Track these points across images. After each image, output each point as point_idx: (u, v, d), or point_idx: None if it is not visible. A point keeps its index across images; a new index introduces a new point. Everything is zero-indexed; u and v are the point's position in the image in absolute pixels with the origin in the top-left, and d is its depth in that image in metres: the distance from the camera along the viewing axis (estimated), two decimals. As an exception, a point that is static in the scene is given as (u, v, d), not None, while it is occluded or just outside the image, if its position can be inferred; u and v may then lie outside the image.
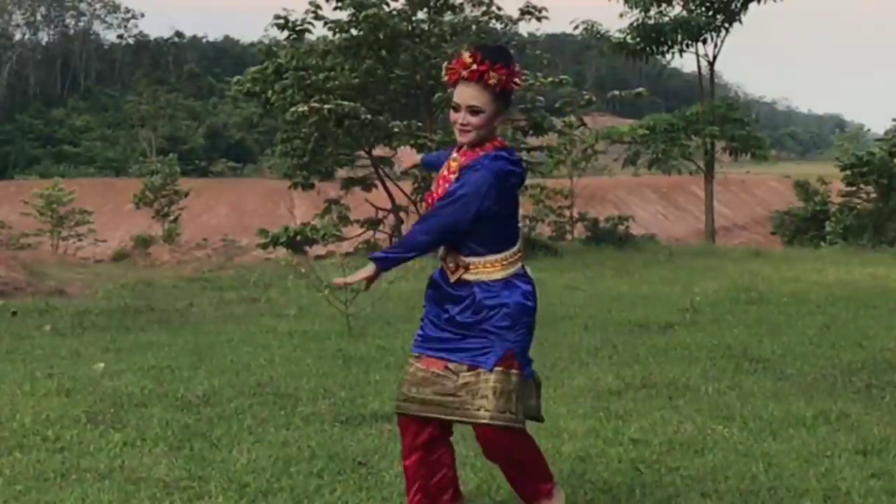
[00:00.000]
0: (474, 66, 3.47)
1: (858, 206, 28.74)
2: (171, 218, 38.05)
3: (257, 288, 13.85)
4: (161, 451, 5.04)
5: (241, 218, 47.80)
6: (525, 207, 28.40)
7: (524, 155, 22.49)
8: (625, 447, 5.09)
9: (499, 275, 3.60)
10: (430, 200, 3.68)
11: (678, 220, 55.48)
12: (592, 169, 31.38)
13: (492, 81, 3.46)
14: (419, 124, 21.20)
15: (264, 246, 23.05)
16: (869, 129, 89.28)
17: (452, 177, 3.59)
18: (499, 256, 3.60)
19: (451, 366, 3.65)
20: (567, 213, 27.86)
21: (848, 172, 28.54)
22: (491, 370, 3.63)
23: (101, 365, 7.45)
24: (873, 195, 28.38)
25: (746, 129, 24.92)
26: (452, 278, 3.64)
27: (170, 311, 11.21)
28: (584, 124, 23.59)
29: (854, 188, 29.05)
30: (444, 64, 3.60)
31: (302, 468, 4.72)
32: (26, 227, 35.66)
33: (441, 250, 3.67)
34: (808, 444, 5.16)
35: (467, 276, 3.62)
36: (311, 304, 11.14)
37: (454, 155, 3.67)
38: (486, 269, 3.60)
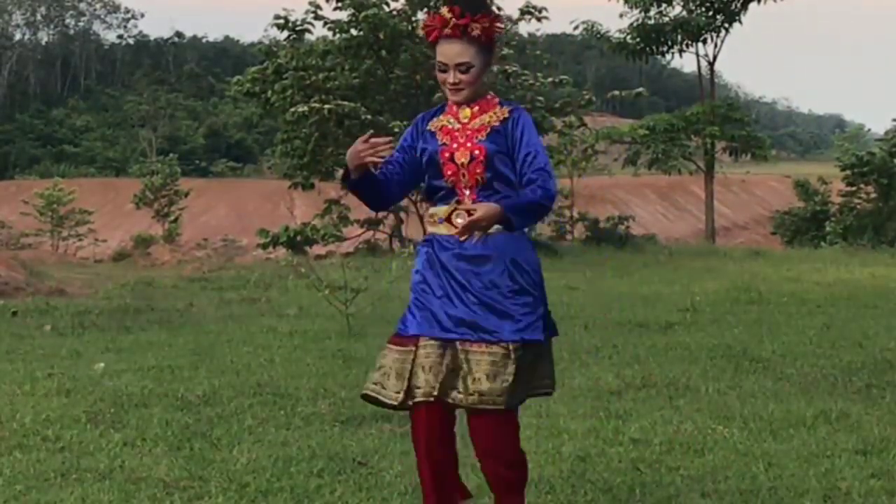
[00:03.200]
0: (455, 21, 3.28)
1: (858, 206, 28.75)
2: (171, 218, 38.06)
3: (257, 288, 13.85)
4: (161, 451, 5.04)
5: (241, 218, 47.76)
6: None
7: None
8: (625, 447, 5.09)
9: None
10: (447, 155, 3.38)
11: (678, 220, 55.44)
12: (592, 169, 31.39)
13: (476, 33, 3.28)
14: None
15: (264, 246, 23.06)
16: (869, 129, 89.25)
17: (481, 134, 3.36)
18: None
19: (499, 346, 3.32)
20: (567, 213, 27.86)
21: (848, 172, 28.55)
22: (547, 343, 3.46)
23: (101, 365, 7.44)
24: (873, 195, 28.39)
25: (746, 129, 24.93)
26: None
27: (170, 311, 11.20)
28: (584, 124, 23.58)
29: (854, 188, 29.05)
30: (421, 22, 3.31)
31: (302, 468, 4.71)
32: (26, 227, 35.65)
33: (437, 210, 3.41)
34: (808, 444, 5.16)
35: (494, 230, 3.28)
36: (311, 304, 11.14)
37: (462, 110, 3.41)
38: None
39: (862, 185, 28.66)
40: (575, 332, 9.32)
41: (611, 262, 17.59)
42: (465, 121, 3.40)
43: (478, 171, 3.34)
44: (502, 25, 3.51)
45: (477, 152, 3.35)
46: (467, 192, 3.36)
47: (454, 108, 3.44)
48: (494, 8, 16.83)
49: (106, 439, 5.26)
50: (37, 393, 6.45)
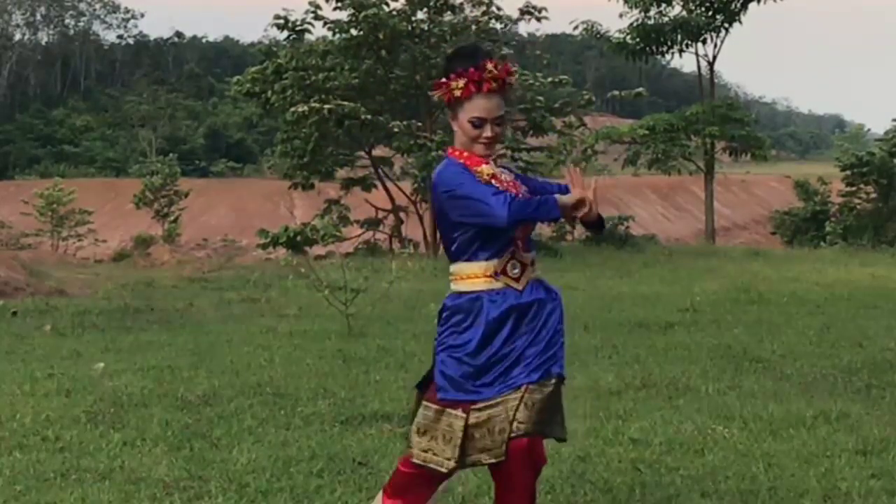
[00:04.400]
0: (497, 75, 3.29)
1: (858, 207, 28.75)
2: (172, 218, 38.04)
3: (257, 288, 13.85)
4: (161, 451, 5.04)
5: (241, 218, 47.73)
6: None
7: (524, 155, 22.47)
8: (625, 447, 5.09)
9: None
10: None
11: (678, 220, 55.45)
12: (592, 169, 31.33)
13: (513, 84, 3.35)
14: (419, 124, 21.22)
15: (264, 246, 23.05)
16: (869, 129, 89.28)
17: (520, 187, 3.42)
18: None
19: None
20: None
21: (848, 172, 28.55)
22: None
23: (101, 365, 7.44)
24: (873, 195, 28.39)
25: (746, 129, 24.91)
26: (521, 285, 3.34)
27: (170, 311, 11.20)
28: (583, 124, 23.56)
29: (854, 188, 29.05)
30: (455, 80, 3.17)
31: (302, 468, 4.72)
32: (26, 227, 35.62)
33: (494, 263, 3.32)
34: (808, 444, 5.16)
35: (534, 275, 3.38)
36: (311, 304, 11.14)
37: (489, 167, 3.39)
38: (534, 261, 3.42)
39: (862, 185, 28.66)
40: (575, 332, 9.32)
41: (611, 262, 17.59)
42: (499, 173, 3.41)
43: (529, 224, 3.38)
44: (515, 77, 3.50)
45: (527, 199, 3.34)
46: (520, 244, 3.37)
47: (476, 161, 3.37)
48: (494, 8, 16.47)
49: (106, 439, 5.26)
50: (37, 393, 6.45)
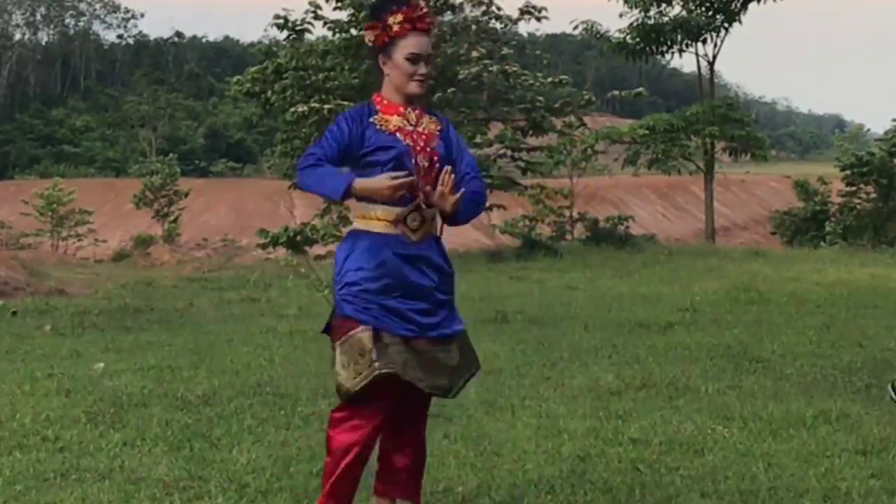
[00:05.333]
0: (425, 14, 3.41)
1: (858, 206, 28.75)
2: (171, 218, 37.99)
3: (257, 288, 13.86)
4: (161, 451, 5.04)
5: (241, 218, 47.77)
6: (525, 207, 28.39)
7: (524, 155, 22.42)
8: (625, 447, 5.09)
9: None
10: (410, 156, 3.40)
11: (678, 220, 55.48)
12: (592, 169, 31.34)
13: (434, 27, 3.51)
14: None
15: (264, 246, 23.06)
16: (869, 129, 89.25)
17: (434, 141, 3.46)
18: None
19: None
20: (567, 213, 27.82)
21: (848, 172, 28.55)
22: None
23: (101, 365, 7.45)
24: (873, 195, 28.39)
25: (746, 129, 24.90)
26: (416, 237, 3.39)
27: (170, 311, 11.21)
28: (583, 124, 23.52)
29: (854, 188, 29.05)
30: (392, 16, 3.37)
31: (302, 468, 4.71)
32: (26, 227, 35.58)
33: (396, 211, 3.37)
34: (808, 444, 5.16)
35: (431, 230, 3.45)
36: (311, 304, 11.13)
37: (408, 112, 3.46)
38: (434, 219, 3.46)
39: (862, 185, 28.66)
40: (575, 332, 9.32)
41: (611, 262, 17.58)
42: (415, 123, 3.47)
43: (432, 175, 3.40)
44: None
45: (434, 158, 3.44)
46: (420, 196, 3.40)
47: (400, 108, 3.46)
48: (494, 8, 16.60)
49: (106, 439, 5.26)
50: (37, 393, 6.45)
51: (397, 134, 3.41)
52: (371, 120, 3.42)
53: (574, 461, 4.83)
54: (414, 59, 3.40)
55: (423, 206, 3.39)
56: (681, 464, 4.79)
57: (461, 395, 3.71)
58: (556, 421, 5.66)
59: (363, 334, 3.31)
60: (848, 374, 7.16)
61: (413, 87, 3.43)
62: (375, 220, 3.39)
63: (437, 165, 3.41)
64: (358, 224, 3.44)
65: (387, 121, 3.42)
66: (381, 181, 3.29)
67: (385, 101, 3.47)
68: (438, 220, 3.49)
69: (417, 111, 3.49)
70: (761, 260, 18.81)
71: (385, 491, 3.68)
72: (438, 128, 3.50)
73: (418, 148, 3.42)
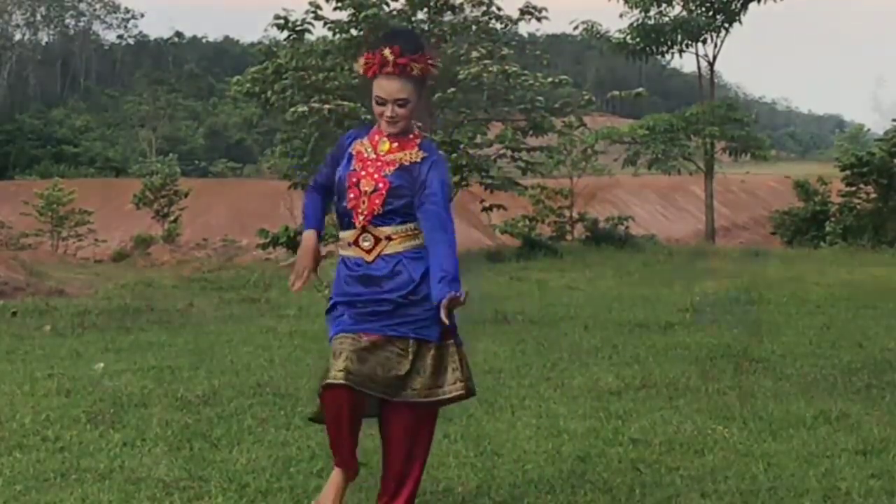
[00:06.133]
0: (395, 60, 3.52)
1: (858, 207, 28.72)
2: (171, 218, 37.99)
3: (257, 288, 13.86)
4: (161, 451, 5.04)
5: (241, 218, 47.80)
6: (525, 208, 28.40)
7: (524, 155, 22.40)
8: (625, 447, 5.09)
9: (420, 240, 3.61)
10: (353, 180, 3.64)
11: (678, 220, 55.45)
12: (592, 169, 31.33)
13: (415, 73, 3.54)
14: (419, 125, 21.20)
15: (264, 246, 23.06)
16: (869, 130, 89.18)
17: (389, 168, 3.61)
18: (414, 223, 3.62)
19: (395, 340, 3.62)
20: (567, 213, 27.81)
21: (848, 172, 28.53)
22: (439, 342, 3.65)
23: (101, 365, 7.45)
24: (873, 195, 28.36)
25: (746, 129, 24.89)
26: (371, 257, 3.61)
27: (170, 311, 11.20)
28: (583, 124, 23.50)
29: (854, 188, 29.02)
30: (359, 59, 3.68)
31: (302, 468, 4.71)
32: (26, 227, 35.64)
33: (349, 234, 3.66)
34: (808, 444, 5.16)
35: (389, 250, 3.61)
36: (311, 304, 11.13)
37: (382, 142, 3.67)
38: (408, 235, 3.62)
39: (862, 186, 28.63)
40: (575, 332, 9.32)
41: (611, 262, 17.58)
42: (382, 153, 3.65)
43: (377, 202, 3.59)
44: (437, 63, 3.73)
45: (381, 185, 3.59)
46: (360, 219, 3.61)
47: (376, 137, 3.68)
48: (495, 8, 16.73)
49: (106, 439, 5.26)
50: (37, 393, 6.45)
51: (354, 158, 3.67)
52: (352, 145, 3.71)
53: (574, 461, 4.83)
54: (379, 101, 3.60)
55: (370, 226, 3.60)
56: (681, 464, 4.79)
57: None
58: (556, 421, 5.66)
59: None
60: (848, 374, 7.16)
61: (384, 126, 3.64)
62: (340, 244, 3.73)
63: (384, 193, 3.58)
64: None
65: (360, 144, 3.69)
66: (298, 258, 3.75)
67: (376, 128, 3.71)
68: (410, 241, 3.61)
69: (398, 143, 3.64)
70: (761, 260, 18.80)
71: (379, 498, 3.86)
72: (410, 161, 3.61)
73: (365, 173, 3.61)
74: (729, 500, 4.27)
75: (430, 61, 3.60)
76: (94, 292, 14.05)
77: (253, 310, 11.42)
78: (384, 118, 3.60)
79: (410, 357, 3.60)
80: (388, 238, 3.60)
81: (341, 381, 3.53)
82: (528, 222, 24.98)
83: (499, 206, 21.96)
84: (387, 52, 3.52)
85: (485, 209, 22.75)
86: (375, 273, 3.60)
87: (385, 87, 3.55)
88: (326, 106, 20.23)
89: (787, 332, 9.19)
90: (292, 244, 21.83)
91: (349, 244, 3.65)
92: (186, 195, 39.45)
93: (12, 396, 6.36)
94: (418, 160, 3.63)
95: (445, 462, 4.74)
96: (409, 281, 3.58)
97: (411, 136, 3.68)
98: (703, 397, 6.40)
